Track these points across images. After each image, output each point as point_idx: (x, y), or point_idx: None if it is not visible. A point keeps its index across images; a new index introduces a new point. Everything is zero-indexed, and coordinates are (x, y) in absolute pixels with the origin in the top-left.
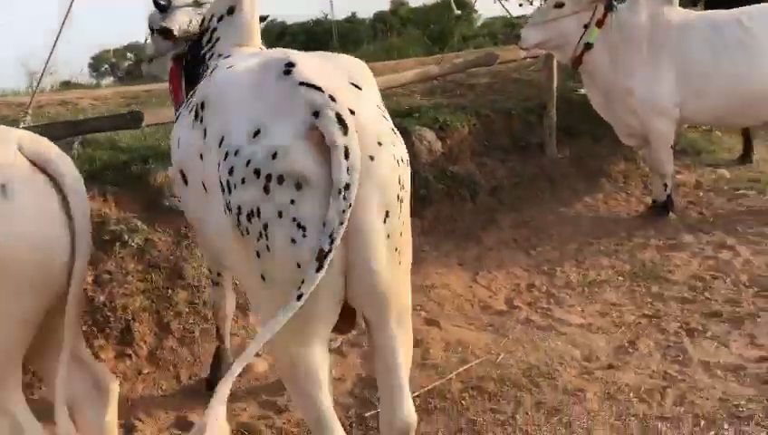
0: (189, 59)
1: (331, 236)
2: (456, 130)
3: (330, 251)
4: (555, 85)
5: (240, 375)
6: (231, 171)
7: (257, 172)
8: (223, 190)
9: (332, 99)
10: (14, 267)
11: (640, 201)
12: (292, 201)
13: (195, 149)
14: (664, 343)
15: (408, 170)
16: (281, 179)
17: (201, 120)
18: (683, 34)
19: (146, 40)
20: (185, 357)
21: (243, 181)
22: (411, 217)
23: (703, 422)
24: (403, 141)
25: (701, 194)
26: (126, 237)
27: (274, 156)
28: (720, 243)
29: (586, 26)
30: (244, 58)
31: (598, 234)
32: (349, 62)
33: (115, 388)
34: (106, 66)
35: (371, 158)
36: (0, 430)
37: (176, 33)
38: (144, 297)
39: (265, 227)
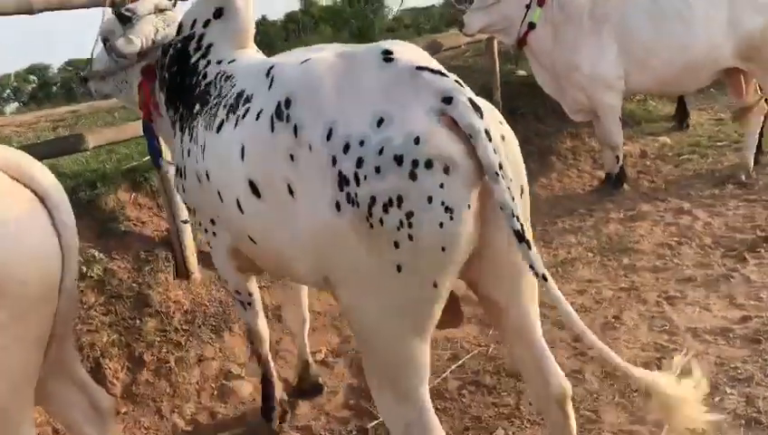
0: (171, 69)
1: (516, 216)
2: None
3: (523, 230)
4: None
5: (225, 400)
6: (359, 162)
7: (398, 159)
8: (341, 185)
9: (459, 84)
10: (17, 287)
11: (593, 176)
12: (442, 185)
13: (279, 151)
14: (647, 314)
15: None
16: (429, 164)
17: (287, 119)
18: (623, 7)
19: (92, 54)
20: (163, 389)
21: (378, 170)
22: None
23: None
24: None
25: (648, 163)
26: (84, 269)
27: (417, 141)
28: (677, 209)
29: (528, 6)
30: (264, 59)
31: (558, 213)
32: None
33: (113, 407)
34: (8, 91)
35: (503, 137)
36: None
37: (144, 46)
38: (111, 331)
39: (409, 214)
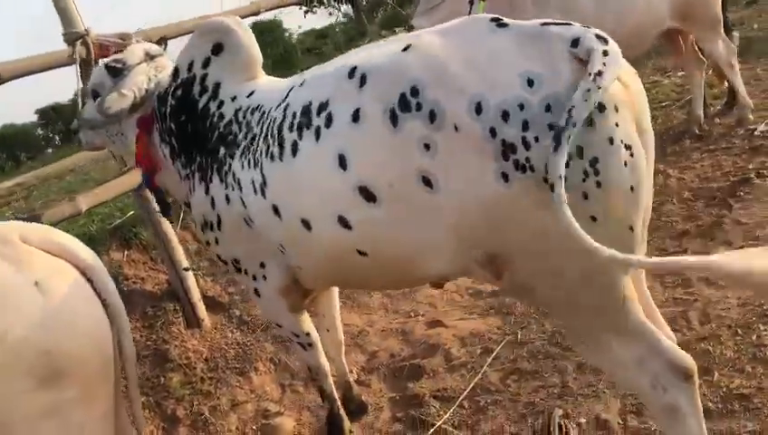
0: (178, 119)
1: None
2: None
3: None
4: None
5: None
6: (525, 126)
7: (569, 112)
8: (506, 154)
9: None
10: (79, 366)
11: None
12: (617, 124)
13: (408, 144)
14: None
15: None
16: (602, 108)
17: (417, 108)
18: None
19: (80, 104)
20: None
21: (551, 127)
22: None
23: (739, 330)
24: None
25: None
26: None
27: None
28: None
29: (471, 2)
30: (281, 83)
31: None
32: None
33: None
34: None
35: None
36: None
37: (137, 98)
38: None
39: (593, 162)
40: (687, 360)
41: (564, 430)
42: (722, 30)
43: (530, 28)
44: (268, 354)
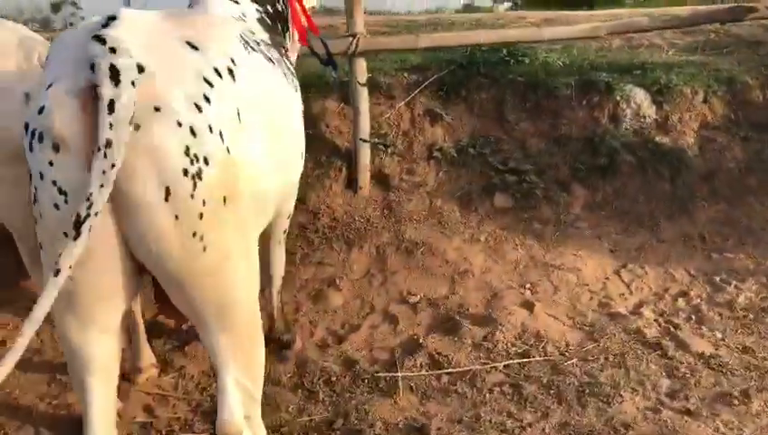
0: None
1: (89, 199)
2: (681, 96)
3: (87, 217)
4: None
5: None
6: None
7: (27, 128)
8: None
9: (113, 50)
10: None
11: None
12: (51, 163)
13: None
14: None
15: (218, 145)
16: (41, 137)
17: None
18: None
19: None
20: None
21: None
22: (581, 184)
23: None
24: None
25: None
26: None
27: (40, 111)
28: None
29: None
30: None
31: None
32: (202, 20)
33: None
34: None
35: (137, 126)
36: None
37: None
38: None
39: (35, 189)
40: None
41: None
42: None
43: (83, 40)
44: None
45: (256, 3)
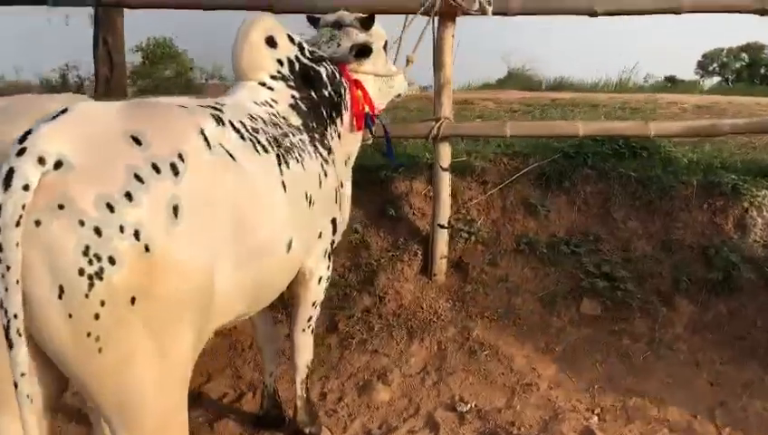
0: None
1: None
2: None
3: (8, 322)
4: None
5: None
6: None
7: None
8: None
9: (21, 151)
10: None
11: None
12: None
13: None
14: None
15: (131, 245)
16: None
17: None
18: None
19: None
20: None
21: None
22: (687, 299)
23: None
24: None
25: None
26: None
27: None
28: None
29: None
30: None
31: None
32: (162, 112)
33: None
34: (714, 66)
35: (37, 222)
36: None
37: None
38: None
39: None
40: None
41: None
42: None
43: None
44: None
45: (296, 89)
